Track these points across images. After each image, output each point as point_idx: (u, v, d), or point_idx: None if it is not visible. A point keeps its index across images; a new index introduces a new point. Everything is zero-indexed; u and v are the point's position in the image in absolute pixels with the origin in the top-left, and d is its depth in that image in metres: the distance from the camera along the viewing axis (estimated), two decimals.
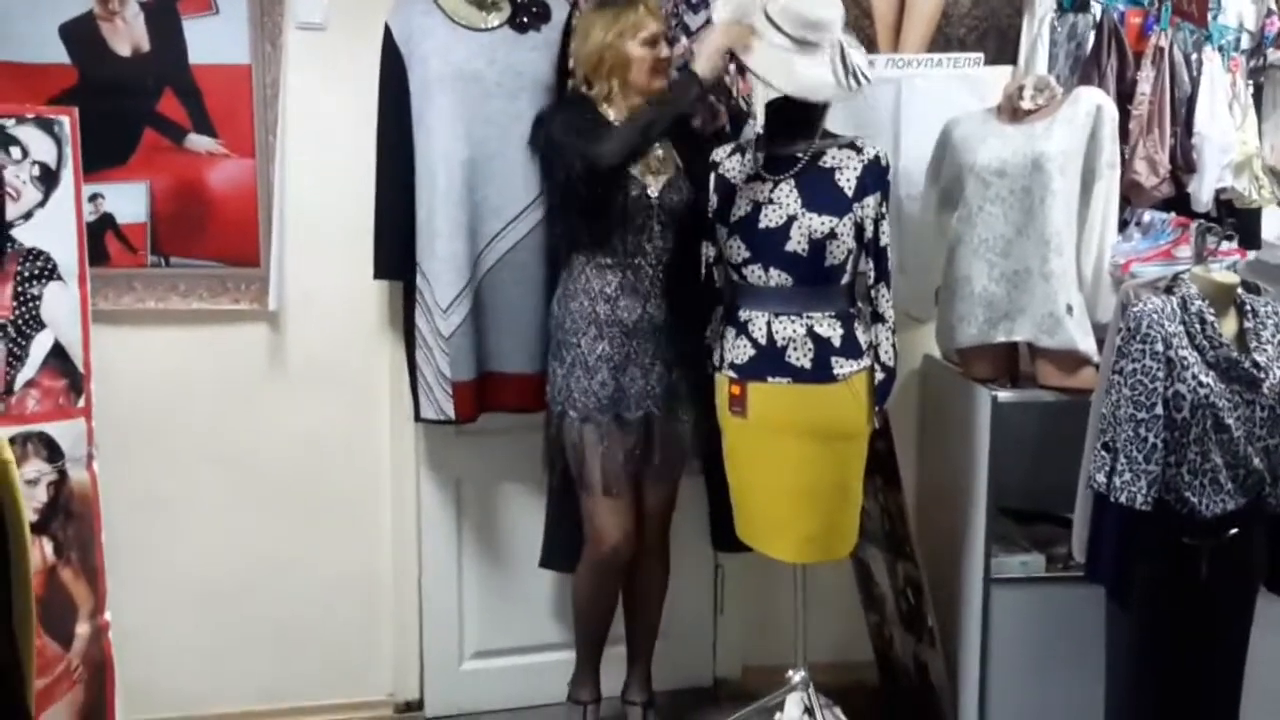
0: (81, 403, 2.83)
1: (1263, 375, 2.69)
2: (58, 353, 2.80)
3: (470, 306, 3.15)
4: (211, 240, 3.23)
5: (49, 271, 2.79)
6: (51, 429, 2.78)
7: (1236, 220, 3.33)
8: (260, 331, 3.33)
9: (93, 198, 3.04)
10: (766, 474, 2.99)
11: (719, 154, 3.07)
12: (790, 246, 2.86)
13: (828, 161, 2.91)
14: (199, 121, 3.18)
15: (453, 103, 3.09)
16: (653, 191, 2.98)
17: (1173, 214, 3.26)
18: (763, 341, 2.91)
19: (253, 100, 3.20)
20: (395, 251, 3.20)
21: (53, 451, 2.79)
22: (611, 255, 2.99)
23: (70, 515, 2.81)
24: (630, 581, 3.24)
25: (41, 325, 2.78)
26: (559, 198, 3.04)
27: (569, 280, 3.04)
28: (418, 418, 3.28)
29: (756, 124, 3.24)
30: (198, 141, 3.18)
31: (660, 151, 3.03)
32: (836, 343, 2.90)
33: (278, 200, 3.24)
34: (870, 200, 2.89)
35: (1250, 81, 3.48)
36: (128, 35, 3.11)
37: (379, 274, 3.26)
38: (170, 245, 3.21)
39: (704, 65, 2.85)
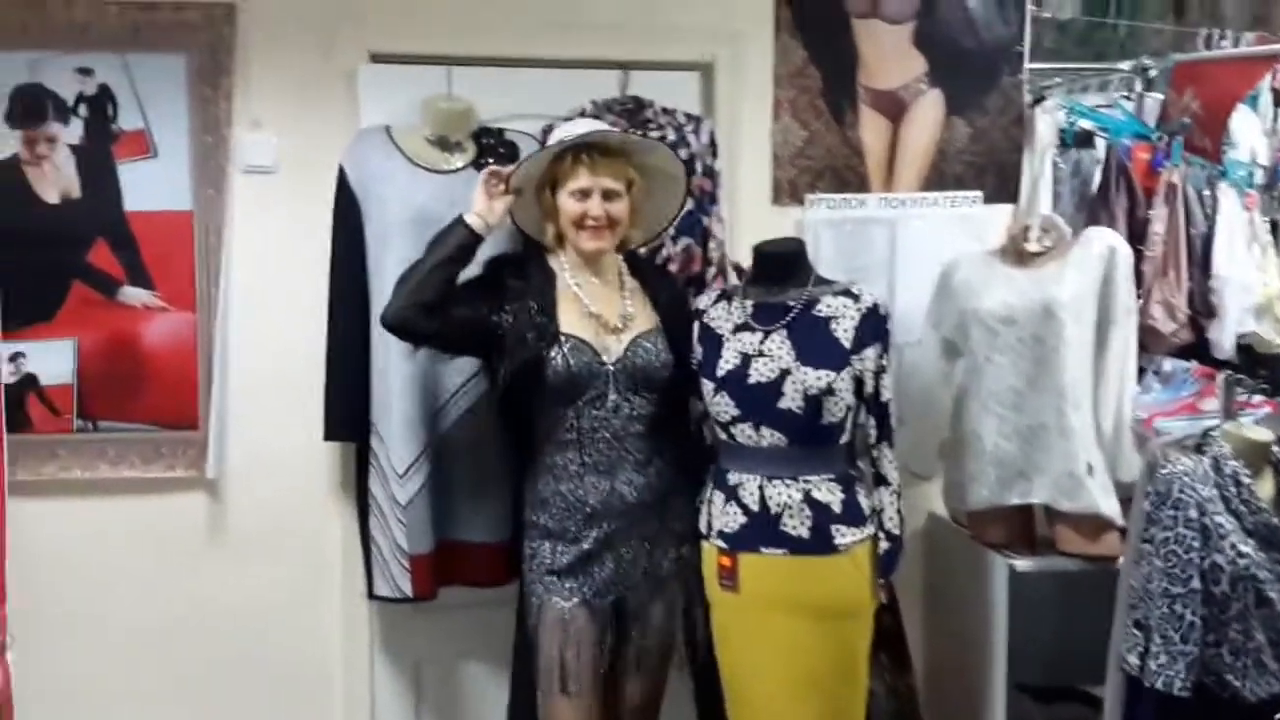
0: None
1: None
2: None
3: (429, 471, 3.06)
4: (145, 402, 3.18)
5: None
6: None
7: (1265, 369, 3.24)
8: (198, 501, 3.27)
9: (13, 357, 3.04)
10: (761, 657, 2.84)
11: (703, 301, 3.00)
12: (784, 403, 2.76)
13: (822, 310, 2.83)
14: (134, 273, 3.17)
15: (413, 249, 2.92)
16: (609, 357, 2.80)
17: (1194, 362, 3.23)
18: (755, 508, 2.80)
19: (194, 249, 3.19)
20: (348, 410, 3.13)
21: None
22: (567, 431, 2.79)
23: None
24: None
25: None
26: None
27: (534, 456, 2.87)
28: (371, 595, 3.19)
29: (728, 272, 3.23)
30: (132, 295, 3.17)
31: (629, 306, 2.87)
32: (837, 509, 2.78)
33: (219, 357, 3.20)
34: (870, 352, 2.81)
35: (1266, 219, 3.43)
36: (56, 181, 3.11)
37: (330, 435, 3.19)
38: (99, 408, 3.17)
39: (478, 207, 2.76)
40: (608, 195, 2.77)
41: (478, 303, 2.76)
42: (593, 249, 2.80)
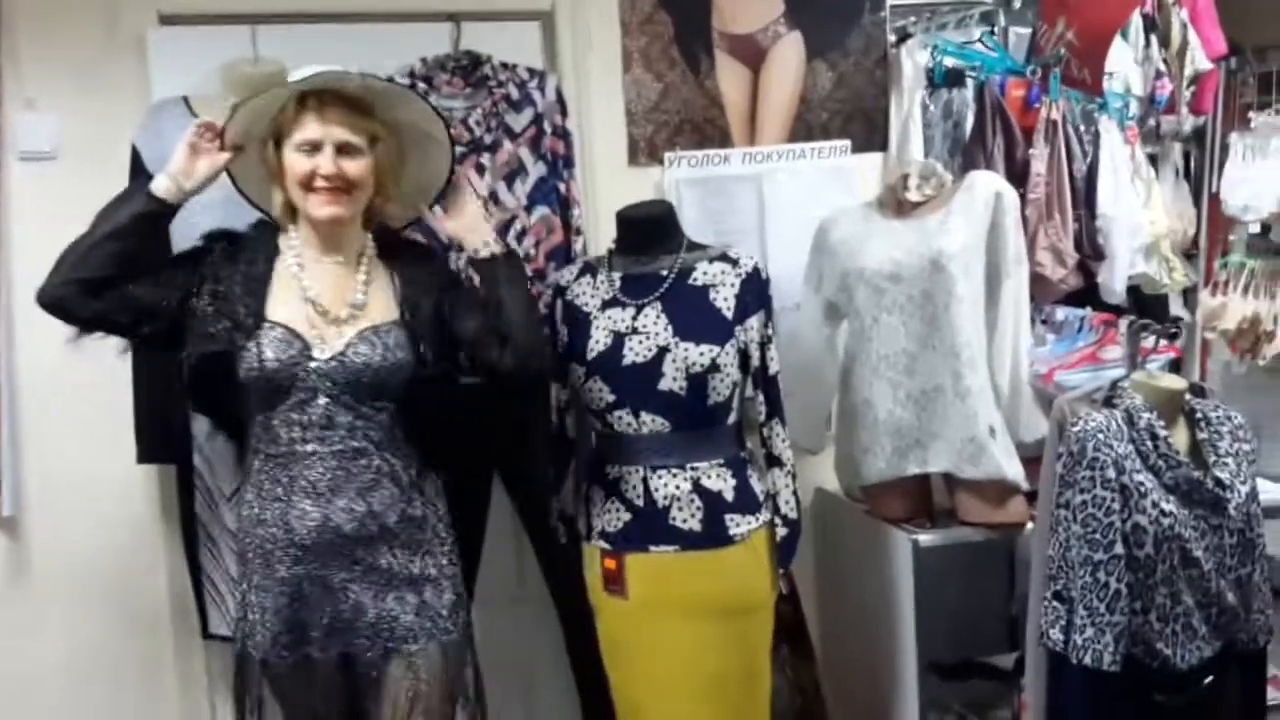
0: None
1: (1228, 495, 2.56)
2: None
3: None
4: None
5: None
6: None
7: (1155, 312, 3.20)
8: None
9: None
10: (657, 666, 2.68)
11: (564, 277, 2.81)
12: (664, 384, 2.59)
13: (699, 278, 2.67)
14: None
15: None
16: (322, 353, 2.37)
17: (1088, 309, 3.15)
18: (640, 503, 2.64)
19: None
20: (164, 428, 2.94)
21: None
22: (273, 443, 2.38)
23: None
24: None
25: None
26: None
27: (246, 472, 2.49)
28: (206, 634, 3.04)
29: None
30: None
31: (361, 293, 2.44)
32: (729, 496, 2.63)
33: (5, 373, 3.05)
34: (754, 321, 2.66)
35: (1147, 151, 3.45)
36: None
37: (143, 457, 3.01)
38: None
39: (174, 166, 2.39)
40: (343, 150, 2.34)
41: (172, 283, 2.36)
42: (326, 215, 2.37)
